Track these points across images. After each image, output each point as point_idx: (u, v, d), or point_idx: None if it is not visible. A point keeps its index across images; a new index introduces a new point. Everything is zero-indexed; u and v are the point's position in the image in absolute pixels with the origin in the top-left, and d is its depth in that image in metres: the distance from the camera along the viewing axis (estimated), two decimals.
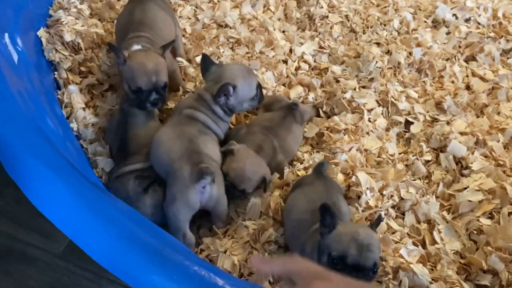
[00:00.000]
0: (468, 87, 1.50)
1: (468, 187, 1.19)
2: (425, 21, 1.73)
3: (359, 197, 1.19)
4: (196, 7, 1.80)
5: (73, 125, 1.35)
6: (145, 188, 1.14)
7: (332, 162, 1.26)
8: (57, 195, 0.67)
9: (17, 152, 0.72)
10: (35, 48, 1.40)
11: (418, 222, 1.18)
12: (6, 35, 1.13)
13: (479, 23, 1.70)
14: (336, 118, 1.38)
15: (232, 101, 1.21)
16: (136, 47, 1.29)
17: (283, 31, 1.71)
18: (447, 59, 1.59)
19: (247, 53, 1.59)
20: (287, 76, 1.53)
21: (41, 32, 1.47)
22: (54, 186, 0.67)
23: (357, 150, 1.29)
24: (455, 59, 1.59)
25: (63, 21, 1.51)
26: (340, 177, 1.23)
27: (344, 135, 1.33)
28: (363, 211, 1.16)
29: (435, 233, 1.13)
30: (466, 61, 1.60)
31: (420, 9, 1.79)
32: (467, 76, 1.54)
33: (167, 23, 1.47)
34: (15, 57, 1.13)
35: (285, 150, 1.30)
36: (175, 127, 1.19)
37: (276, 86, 1.50)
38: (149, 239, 0.67)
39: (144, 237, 0.67)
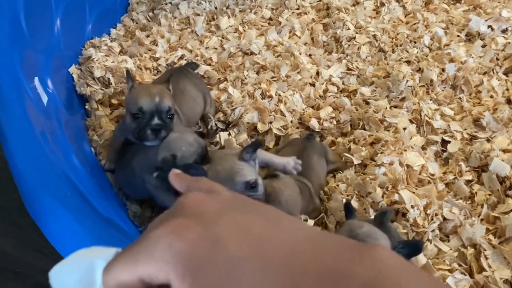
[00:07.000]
0: (509, 101, 1.41)
1: None
2: (458, 35, 1.65)
3: (403, 214, 1.11)
4: (223, 38, 1.82)
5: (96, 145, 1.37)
6: None
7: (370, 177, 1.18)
8: (72, 236, 0.66)
9: (37, 193, 0.73)
10: (66, 85, 1.45)
11: (464, 246, 1.08)
12: (36, 78, 1.16)
13: None
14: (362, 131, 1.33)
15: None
16: None
17: (310, 55, 1.69)
18: (484, 73, 1.50)
19: (273, 77, 1.57)
20: (315, 99, 1.49)
21: (73, 69, 1.53)
22: (70, 227, 0.67)
23: (399, 164, 1.19)
24: (493, 72, 1.51)
25: (93, 58, 1.55)
26: (378, 191, 1.14)
27: (383, 146, 1.25)
28: (412, 230, 1.08)
29: (482, 260, 1.04)
30: (506, 73, 1.51)
31: (452, 23, 1.72)
32: (507, 89, 1.45)
33: (197, 101, 1.42)
34: (45, 99, 1.16)
35: (315, 186, 1.21)
36: None
37: (305, 108, 1.46)
38: None
39: None
